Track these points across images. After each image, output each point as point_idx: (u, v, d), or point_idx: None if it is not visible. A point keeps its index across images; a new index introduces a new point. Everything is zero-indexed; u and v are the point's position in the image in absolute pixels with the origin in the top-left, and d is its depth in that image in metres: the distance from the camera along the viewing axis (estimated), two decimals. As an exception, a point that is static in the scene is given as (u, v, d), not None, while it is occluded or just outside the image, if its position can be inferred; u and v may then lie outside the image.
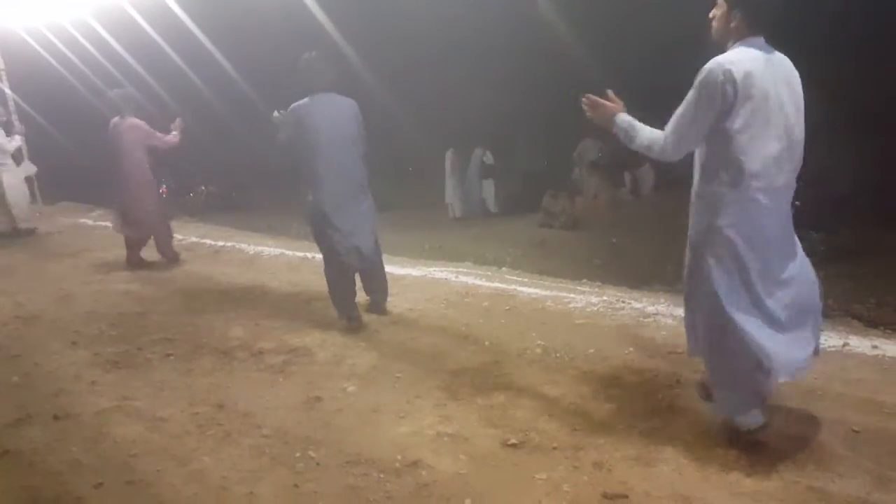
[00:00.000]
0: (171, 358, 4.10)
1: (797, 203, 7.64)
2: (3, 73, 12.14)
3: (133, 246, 6.85)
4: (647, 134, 2.64)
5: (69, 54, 12.87)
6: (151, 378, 3.80)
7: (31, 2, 10.97)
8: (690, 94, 2.48)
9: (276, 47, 12.12)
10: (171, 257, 6.95)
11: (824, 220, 7.64)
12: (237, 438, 3.02)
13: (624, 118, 2.71)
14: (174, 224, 10.15)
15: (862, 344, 3.91)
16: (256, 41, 12.56)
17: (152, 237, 6.95)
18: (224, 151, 16.59)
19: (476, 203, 12.43)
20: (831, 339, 3.99)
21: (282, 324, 4.65)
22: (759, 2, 2.50)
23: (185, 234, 8.78)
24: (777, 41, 2.55)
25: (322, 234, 4.40)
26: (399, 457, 2.76)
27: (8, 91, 12.11)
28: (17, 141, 9.22)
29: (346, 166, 4.35)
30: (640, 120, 2.70)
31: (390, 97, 12.60)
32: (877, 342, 3.94)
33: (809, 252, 6.73)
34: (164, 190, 14.44)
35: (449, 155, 12.19)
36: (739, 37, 2.51)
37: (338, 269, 4.45)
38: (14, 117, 12.06)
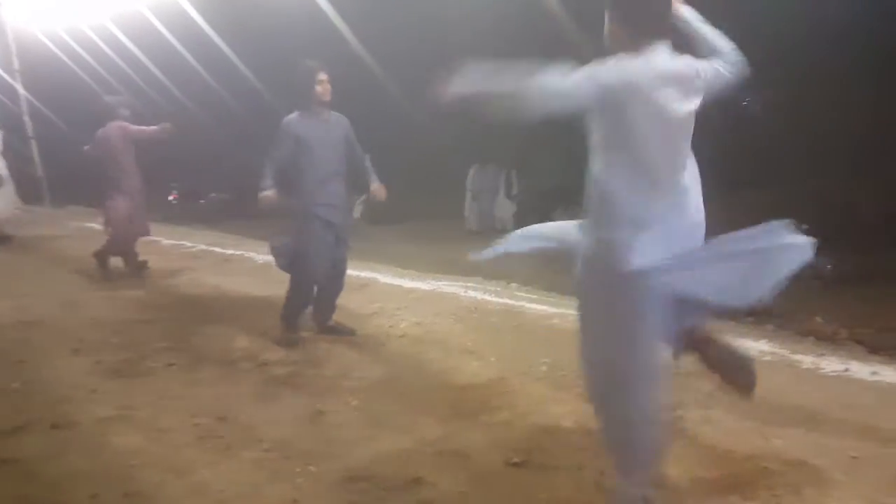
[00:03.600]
0: (175, 367, 4.10)
1: (804, 226, 7.61)
2: (17, 73, 12.29)
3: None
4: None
5: (88, 58, 13.00)
6: (154, 388, 3.80)
7: (50, 6, 11.09)
8: None
9: (296, 55, 12.19)
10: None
11: (831, 244, 7.63)
12: (237, 451, 3.01)
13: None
14: (185, 231, 10.26)
15: (862, 370, 3.92)
16: (276, 48, 12.64)
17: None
18: (237, 157, 16.67)
19: (492, 219, 12.44)
20: (832, 364, 4.00)
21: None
22: None
23: (195, 242, 8.84)
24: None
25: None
26: (401, 474, 2.75)
27: (21, 91, 12.27)
28: None
29: None
30: None
31: (415, 109, 12.66)
32: (876, 368, 3.95)
33: (815, 275, 6.81)
34: (175, 196, 14.55)
35: (472, 170, 12.28)
36: None
37: None
38: (26, 117, 12.21)
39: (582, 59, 2.09)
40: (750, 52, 2.35)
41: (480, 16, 10.09)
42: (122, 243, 6.68)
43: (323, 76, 4.33)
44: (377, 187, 4.60)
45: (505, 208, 12.24)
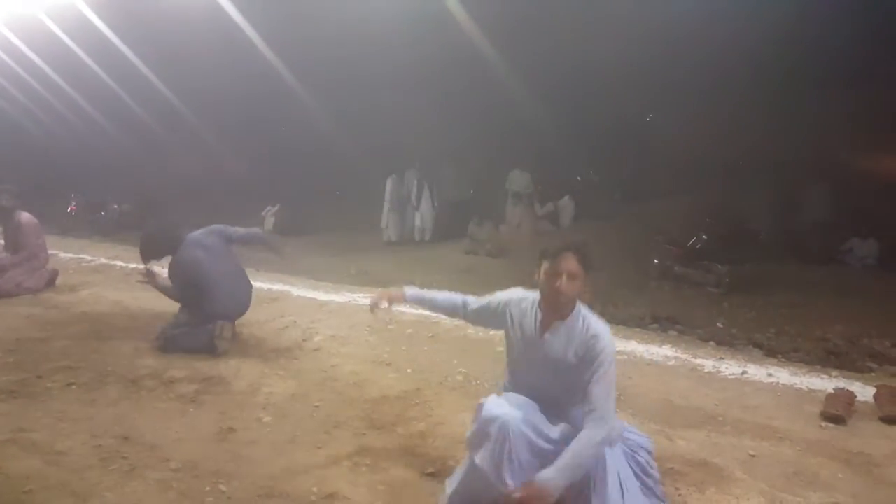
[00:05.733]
0: (74, 387, 3.86)
1: (704, 237, 8.13)
2: None
3: None
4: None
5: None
6: (51, 408, 3.57)
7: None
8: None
9: (207, 63, 11.87)
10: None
11: (730, 254, 8.15)
12: (143, 472, 2.88)
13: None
14: (84, 243, 9.70)
15: (759, 372, 4.19)
16: (186, 58, 12.23)
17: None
18: (141, 166, 15.94)
19: (410, 229, 12.44)
20: (731, 368, 4.25)
21: (195, 351, 4.47)
22: None
23: (95, 255, 8.39)
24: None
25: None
26: (315, 489, 2.71)
27: None
28: None
29: None
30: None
31: (334, 122, 12.55)
32: (772, 370, 4.23)
33: (715, 284, 7.18)
34: (73, 208, 13.80)
35: (390, 181, 12.19)
36: None
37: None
38: None
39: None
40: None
41: (392, 23, 10.16)
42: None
43: None
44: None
45: (425, 219, 12.28)
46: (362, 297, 6.10)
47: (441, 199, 12.37)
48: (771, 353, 4.97)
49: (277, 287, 6.49)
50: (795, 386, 3.98)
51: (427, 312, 5.51)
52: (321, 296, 6.19)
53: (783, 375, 4.15)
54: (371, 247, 11.21)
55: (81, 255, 8.57)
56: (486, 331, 4.87)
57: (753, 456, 2.99)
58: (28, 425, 3.34)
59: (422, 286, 7.33)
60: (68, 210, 13.71)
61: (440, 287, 7.41)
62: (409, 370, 4.11)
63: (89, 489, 2.74)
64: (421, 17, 9.86)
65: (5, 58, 11.98)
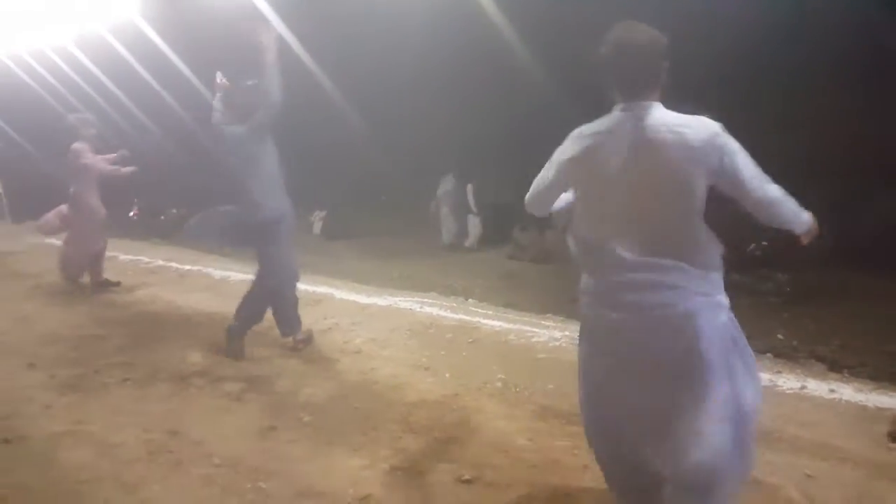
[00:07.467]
0: (129, 382, 4.02)
1: (764, 243, 7.74)
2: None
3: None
4: None
5: (51, 79, 12.99)
6: (107, 402, 3.73)
7: (14, 31, 11.11)
8: None
9: (249, 69, 12.19)
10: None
11: (791, 261, 7.79)
12: (188, 467, 2.96)
13: None
14: (143, 246, 10.10)
15: (820, 387, 3.97)
16: (230, 64, 12.58)
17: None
18: (198, 173, 16.47)
19: (462, 234, 12.35)
20: (789, 382, 4.05)
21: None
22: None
23: (152, 257, 8.70)
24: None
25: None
26: (351, 490, 2.71)
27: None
28: None
29: None
30: None
31: (379, 126, 12.68)
32: (834, 385, 4.00)
33: (776, 293, 6.83)
34: (136, 212, 14.35)
35: (445, 181, 12.06)
36: None
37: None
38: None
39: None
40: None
41: (429, 26, 10.17)
42: (77, 260, 6.61)
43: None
44: None
45: (475, 225, 12.16)
46: (403, 301, 6.11)
47: (484, 203, 12.23)
48: (834, 367, 4.71)
49: (321, 290, 6.57)
50: (860, 403, 3.75)
51: (467, 317, 5.49)
52: (363, 299, 6.23)
53: (846, 391, 3.92)
54: (414, 251, 11.19)
55: (140, 257, 8.89)
56: (527, 337, 4.84)
57: (811, 476, 2.82)
58: (85, 418, 3.51)
59: (463, 290, 7.32)
60: (131, 214, 14.27)
61: (482, 291, 7.35)
62: (447, 375, 4.08)
63: (138, 481, 2.84)
64: (463, 20, 9.88)
65: (73, 75, 12.67)
